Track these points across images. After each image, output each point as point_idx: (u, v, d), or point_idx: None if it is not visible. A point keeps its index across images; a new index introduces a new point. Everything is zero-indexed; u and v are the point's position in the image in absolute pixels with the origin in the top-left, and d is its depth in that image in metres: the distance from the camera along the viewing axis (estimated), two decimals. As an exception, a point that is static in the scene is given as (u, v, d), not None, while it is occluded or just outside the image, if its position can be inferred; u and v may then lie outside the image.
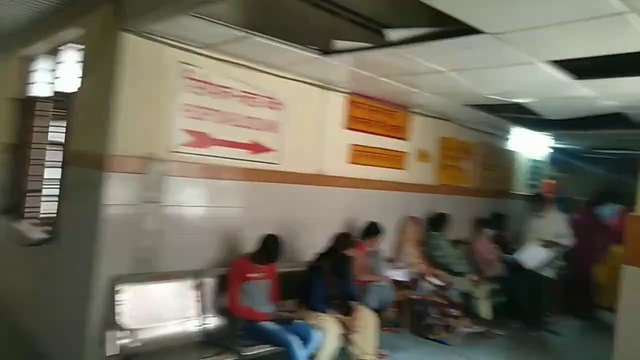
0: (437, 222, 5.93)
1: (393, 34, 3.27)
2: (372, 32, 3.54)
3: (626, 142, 7.43)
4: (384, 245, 5.16)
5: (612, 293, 7.08)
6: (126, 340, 3.14)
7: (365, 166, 5.15)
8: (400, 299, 5.08)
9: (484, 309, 5.60)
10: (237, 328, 3.68)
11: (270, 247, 3.76)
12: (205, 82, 3.81)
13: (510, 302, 6.13)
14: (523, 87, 4.11)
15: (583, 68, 3.53)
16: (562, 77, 3.65)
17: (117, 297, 3.28)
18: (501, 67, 3.51)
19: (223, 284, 3.79)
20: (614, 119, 5.22)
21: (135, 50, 3.39)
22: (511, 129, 6.90)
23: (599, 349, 5.37)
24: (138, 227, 3.50)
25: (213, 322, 3.72)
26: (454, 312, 5.15)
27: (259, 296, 3.78)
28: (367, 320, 4.06)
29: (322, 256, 4.20)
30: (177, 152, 3.68)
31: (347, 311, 4.06)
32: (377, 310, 4.39)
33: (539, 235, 5.86)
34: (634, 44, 2.72)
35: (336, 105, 4.84)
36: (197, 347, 3.48)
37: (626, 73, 3.57)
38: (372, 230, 4.86)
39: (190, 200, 3.83)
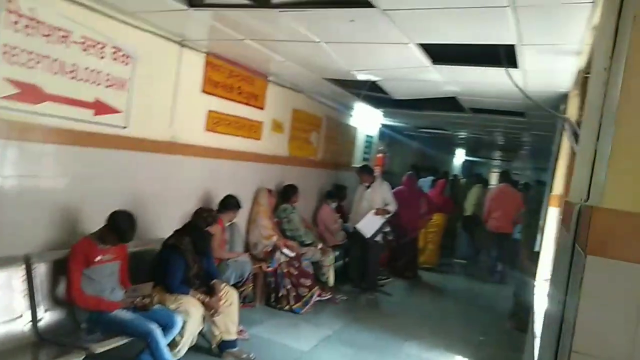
0: (286, 193, 5.93)
1: (277, -6, 3.02)
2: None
3: (447, 124, 8.47)
4: (240, 218, 4.96)
5: (429, 255, 8.22)
6: None
7: (222, 135, 4.79)
8: (254, 272, 4.97)
9: (330, 276, 5.87)
10: (82, 321, 3.14)
11: (121, 226, 3.22)
12: (35, 20, 3.02)
13: (348, 268, 6.61)
14: (387, 66, 4.25)
15: (439, 53, 3.80)
16: (424, 60, 3.87)
17: None
18: (376, 45, 3.55)
19: (60, 270, 3.16)
20: (436, 102, 5.81)
21: None
22: (354, 104, 7.24)
23: (421, 304, 6.36)
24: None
25: (49, 317, 3.08)
26: (306, 281, 5.26)
27: (107, 282, 3.26)
28: (229, 299, 3.85)
29: (180, 233, 3.80)
30: (-4, 107, 2.87)
31: (209, 291, 3.79)
32: (234, 286, 4.22)
33: (369, 204, 6.32)
34: (503, 36, 2.99)
35: (194, 66, 4.35)
36: (31, 349, 2.84)
37: (473, 62, 3.96)
38: (231, 204, 4.59)
39: (15, 169, 3.04)
